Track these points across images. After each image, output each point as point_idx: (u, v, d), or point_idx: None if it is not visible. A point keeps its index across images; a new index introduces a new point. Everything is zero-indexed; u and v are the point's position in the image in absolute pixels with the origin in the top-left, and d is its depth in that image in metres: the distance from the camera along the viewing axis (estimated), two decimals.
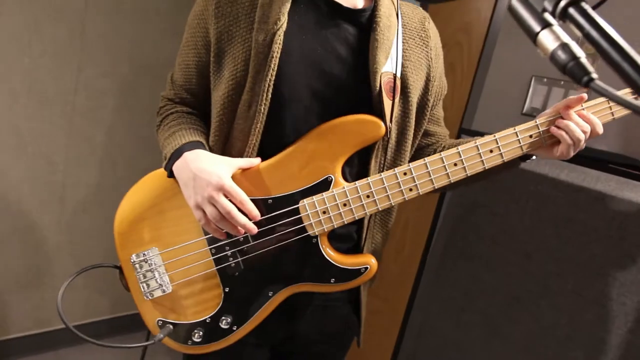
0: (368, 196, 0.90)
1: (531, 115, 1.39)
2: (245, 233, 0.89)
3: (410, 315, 1.43)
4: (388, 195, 0.90)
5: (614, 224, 1.06)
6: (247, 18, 0.91)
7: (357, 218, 0.91)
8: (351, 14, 0.93)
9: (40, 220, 1.93)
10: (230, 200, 0.86)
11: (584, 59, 0.41)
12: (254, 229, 0.88)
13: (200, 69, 0.99)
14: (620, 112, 0.90)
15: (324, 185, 0.91)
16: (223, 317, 0.94)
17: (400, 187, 0.90)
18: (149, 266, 0.98)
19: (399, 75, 0.95)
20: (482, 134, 0.93)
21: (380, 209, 0.91)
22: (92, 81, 1.89)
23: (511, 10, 0.46)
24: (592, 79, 0.41)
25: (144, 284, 0.98)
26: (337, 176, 0.92)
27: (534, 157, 0.96)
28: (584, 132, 0.86)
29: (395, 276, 1.86)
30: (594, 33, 0.39)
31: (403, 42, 0.97)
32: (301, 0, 0.91)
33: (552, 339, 1.16)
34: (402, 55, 0.97)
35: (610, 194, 1.07)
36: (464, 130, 1.36)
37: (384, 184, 0.90)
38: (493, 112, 1.30)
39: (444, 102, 1.11)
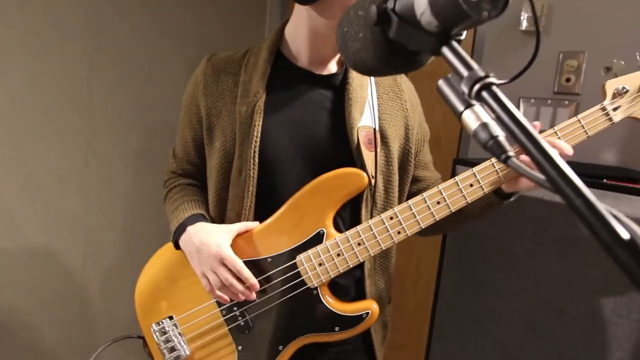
0: (359, 244, 0.95)
1: None
2: (245, 298, 0.95)
3: (431, 346, 1.44)
4: (378, 241, 0.95)
5: None
6: (231, 94, 1.01)
7: (351, 266, 0.96)
8: (325, 80, 1.01)
9: (63, 290, 2.03)
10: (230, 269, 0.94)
11: (501, 138, 0.43)
12: (251, 296, 0.95)
13: (196, 142, 1.08)
14: (594, 129, 0.93)
15: (317, 238, 0.97)
16: None
17: (388, 231, 0.95)
18: (168, 333, 1.05)
19: (377, 127, 1.02)
20: (479, 163, 0.96)
21: (372, 254, 0.96)
22: (102, 155, 2.03)
23: (438, 90, 0.49)
24: (508, 157, 0.42)
25: (165, 350, 1.05)
26: (329, 229, 0.97)
27: (517, 194, 0.99)
28: None
29: (414, 311, 1.88)
30: (503, 116, 0.42)
31: (378, 98, 1.04)
32: (279, 73, 1.00)
33: None
34: (378, 110, 1.04)
35: None
36: (460, 161, 1.40)
37: (372, 230, 0.95)
38: None
39: (437, 140, 1.16)
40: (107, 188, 2.07)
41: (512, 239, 1.25)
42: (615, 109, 0.90)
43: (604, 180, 1.16)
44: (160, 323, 1.06)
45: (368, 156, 0.98)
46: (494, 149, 0.43)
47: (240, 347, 1.01)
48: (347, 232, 0.96)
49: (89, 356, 1.10)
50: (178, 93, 1.18)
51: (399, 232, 0.95)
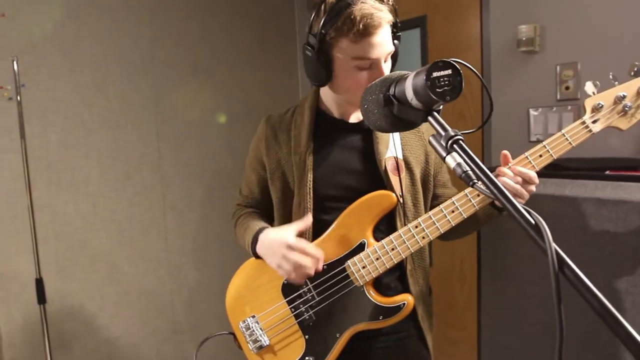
0: (393, 249, 1.20)
1: (538, 141, 1.62)
2: (314, 276, 1.20)
3: (481, 337, 1.63)
4: (407, 245, 1.19)
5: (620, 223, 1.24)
6: (286, 146, 1.32)
7: (388, 267, 1.21)
8: (356, 126, 1.30)
9: (159, 323, 2.43)
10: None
11: (469, 172, 0.69)
12: (319, 267, 1.19)
13: (260, 182, 1.40)
14: (577, 140, 1.12)
15: (360, 247, 1.23)
16: (307, 358, 1.27)
17: (414, 237, 1.19)
18: (251, 328, 1.35)
19: (400, 157, 1.28)
20: None
21: (404, 257, 1.20)
22: (176, 204, 2.43)
23: (430, 142, 0.76)
24: (474, 183, 0.68)
25: (250, 342, 1.34)
26: (369, 239, 1.23)
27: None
28: (517, 183, 1.10)
29: (464, 306, 2.07)
30: (466, 158, 0.68)
31: (400, 134, 1.31)
32: (320, 125, 1.31)
33: (607, 333, 1.31)
34: (401, 143, 1.30)
35: (608, 198, 1.25)
36: None
37: (402, 237, 1.19)
38: (505, 146, 1.56)
39: None
40: (181, 232, 2.46)
41: None
42: (594, 122, 1.09)
43: (607, 172, 1.33)
44: (245, 321, 1.36)
45: (395, 180, 1.24)
46: (465, 179, 0.70)
47: (307, 336, 1.28)
48: (382, 241, 1.21)
49: None
50: (230, 143, 1.51)
51: (423, 237, 1.18)
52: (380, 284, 1.27)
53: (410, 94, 0.77)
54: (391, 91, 0.82)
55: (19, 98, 1.88)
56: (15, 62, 1.87)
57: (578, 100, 1.71)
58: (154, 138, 2.33)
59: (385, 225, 1.27)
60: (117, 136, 2.24)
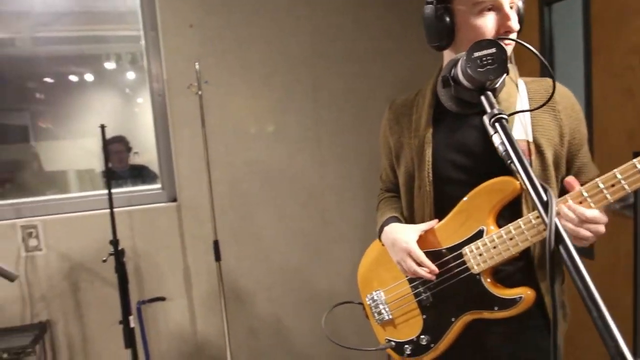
0: (511, 239, 1.17)
1: None
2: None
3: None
4: (526, 236, 1.15)
5: None
6: (407, 130, 1.36)
7: (505, 256, 1.18)
8: (477, 106, 1.25)
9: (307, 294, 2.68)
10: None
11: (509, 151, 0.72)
12: (432, 277, 1.25)
13: (392, 167, 1.47)
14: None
15: (478, 234, 1.22)
16: (423, 336, 1.32)
17: (535, 227, 1.14)
18: (377, 301, 1.46)
19: (530, 139, 1.20)
20: None
21: (522, 247, 1.16)
22: (333, 184, 2.65)
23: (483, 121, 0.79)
24: (512, 162, 0.72)
25: (375, 313, 1.46)
26: (489, 226, 1.21)
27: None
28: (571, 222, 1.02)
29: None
30: (504, 140, 0.70)
31: (532, 113, 1.22)
32: (441, 107, 1.29)
33: None
34: (532, 123, 1.22)
35: None
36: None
37: (521, 227, 1.15)
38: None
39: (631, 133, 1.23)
40: (337, 210, 2.65)
41: None
42: None
43: None
44: (372, 294, 1.48)
45: None
46: (505, 157, 0.75)
47: (425, 316, 1.34)
48: (501, 230, 1.18)
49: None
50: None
51: (544, 229, 1.13)
52: (500, 272, 1.24)
53: (460, 75, 0.79)
54: (452, 72, 0.83)
55: (200, 93, 2.27)
56: (197, 64, 2.26)
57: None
58: (313, 123, 2.57)
59: (510, 212, 1.21)
60: (280, 122, 2.53)
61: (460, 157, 1.26)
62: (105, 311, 2.42)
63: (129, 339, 2.14)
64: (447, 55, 1.26)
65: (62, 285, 2.40)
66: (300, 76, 2.54)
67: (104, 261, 2.12)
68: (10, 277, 1.25)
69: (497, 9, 1.11)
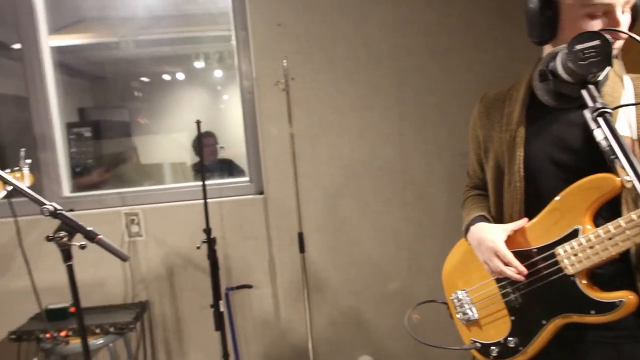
0: (610, 238, 1.10)
1: None
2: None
3: None
4: (628, 236, 1.08)
5: None
6: (499, 123, 1.32)
7: (604, 257, 1.11)
8: (577, 100, 1.19)
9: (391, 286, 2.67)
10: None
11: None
12: (520, 278, 1.21)
13: (480, 162, 1.44)
14: None
15: (573, 234, 1.17)
16: (511, 339, 1.29)
17: (638, 226, 1.06)
18: (462, 301, 1.44)
19: (635, 136, 1.13)
20: None
21: (623, 248, 1.09)
22: (415, 179, 2.61)
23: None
24: (616, 157, 0.69)
25: (460, 313, 1.44)
26: (585, 226, 1.15)
27: None
28: None
29: None
30: (608, 135, 0.67)
31: (636, 108, 1.15)
32: (534, 102, 1.24)
33: None
34: (637, 120, 1.13)
35: None
36: None
37: (622, 227, 1.08)
38: None
39: None
40: (419, 205, 2.63)
41: None
42: None
43: None
44: (457, 293, 1.46)
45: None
46: (607, 152, 0.73)
47: (513, 318, 1.30)
48: (599, 229, 1.12)
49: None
50: (467, 124, 1.56)
51: None
52: (597, 275, 1.18)
53: (560, 68, 0.75)
54: (550, 66, 0.80)
55: (287, 89, 2.36)
56: (285, 62, 2.34)
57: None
58: (397, 119, 2.56)
59: (609, 212, 1.14)
60: (364, 118, 2.55)
61: (556, 153, 1.21)
62: (196, 295, 2.59)
63: (219, 323, 2.28)
64: (547, 50, 1.21)
65: (159, 269, 2.60)
66: (385, 71, 2.53)
67: (198, 248, 2.27)
68: (123, 258, 1.39)
69: (608, 12, 1.05)
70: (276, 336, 2.67)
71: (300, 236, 2.46)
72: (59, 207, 1.34)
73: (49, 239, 1.33)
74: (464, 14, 2.53)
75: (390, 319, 2.67)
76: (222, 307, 2.30)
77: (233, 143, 3.73)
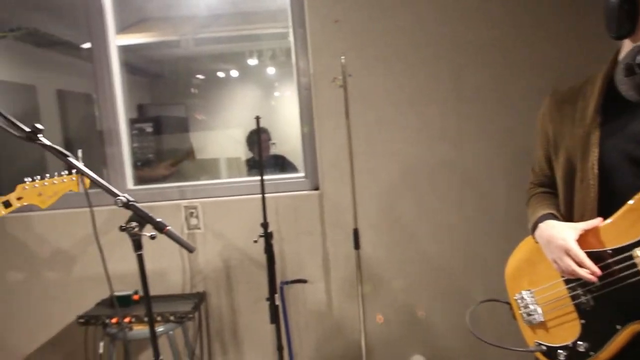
0: None
1: None
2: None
3: None
4: None
5: None
6: (571, 119, 1.27)
7: None
8: None
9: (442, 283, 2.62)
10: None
11: None
12: (593, 279, 1.16)
13: (547, 158, 1.39)
14: None
15: None
16: (580, 343, 1.24)
17: None
18: (526, 301, 1.40)
19: None
20: None
21: None
22: (473, 176, 2.55)
23: None
24: None
25: (524, 314, 1.40)
26: None
27: None
28: None
29: None
30: None
31: None
32: (612, 96, 1.19)
33: None
34: None
35: None
36: None
37: None
38: None
39: None
40: (476, 203, 2.57)
41: None
42: None
43: None
44: (521, 293, 1.42)
45: None
46: None
47: (583, 321, 1.25)
48: None
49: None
50: (531, 121, 1.50)
51: None
52: None
53: None
54: (638, 59, 0.75)
55: (344, 85, 2.36)
56: (343, 58, 2.34)
57: None
58: (454, 114, 2.50)
59: None
60: (422, 113, 2.51)
61: (634, 150, 1.15)
62: (251, 288, 2.65)
63: (274, 315, 2.31)
64: (626, 44, 1.16)
65: (216, 262, 2.67)
66: (443, 66, 2.48)
67: (255, 242, 2.31)
68: (190, 249, 1.44)
69: None
70: (329, 331, 2.69)
71: (356, 232, 2.46)
72: (131, 198, 1.41)
73: (122, 229, 1.39)
74: (526, 7, 2.44)
75: (444, 317, 2.62)
76: (277, 301, 2.34)
77: (285, 139, 3.78)
